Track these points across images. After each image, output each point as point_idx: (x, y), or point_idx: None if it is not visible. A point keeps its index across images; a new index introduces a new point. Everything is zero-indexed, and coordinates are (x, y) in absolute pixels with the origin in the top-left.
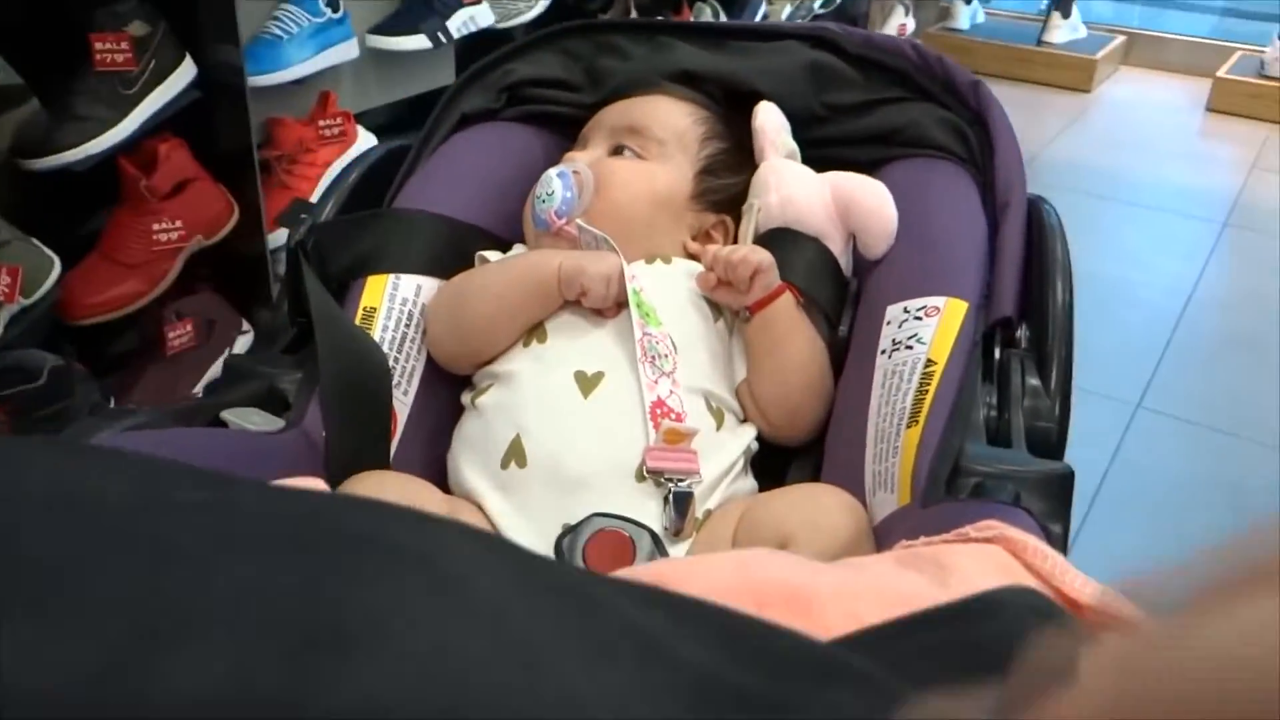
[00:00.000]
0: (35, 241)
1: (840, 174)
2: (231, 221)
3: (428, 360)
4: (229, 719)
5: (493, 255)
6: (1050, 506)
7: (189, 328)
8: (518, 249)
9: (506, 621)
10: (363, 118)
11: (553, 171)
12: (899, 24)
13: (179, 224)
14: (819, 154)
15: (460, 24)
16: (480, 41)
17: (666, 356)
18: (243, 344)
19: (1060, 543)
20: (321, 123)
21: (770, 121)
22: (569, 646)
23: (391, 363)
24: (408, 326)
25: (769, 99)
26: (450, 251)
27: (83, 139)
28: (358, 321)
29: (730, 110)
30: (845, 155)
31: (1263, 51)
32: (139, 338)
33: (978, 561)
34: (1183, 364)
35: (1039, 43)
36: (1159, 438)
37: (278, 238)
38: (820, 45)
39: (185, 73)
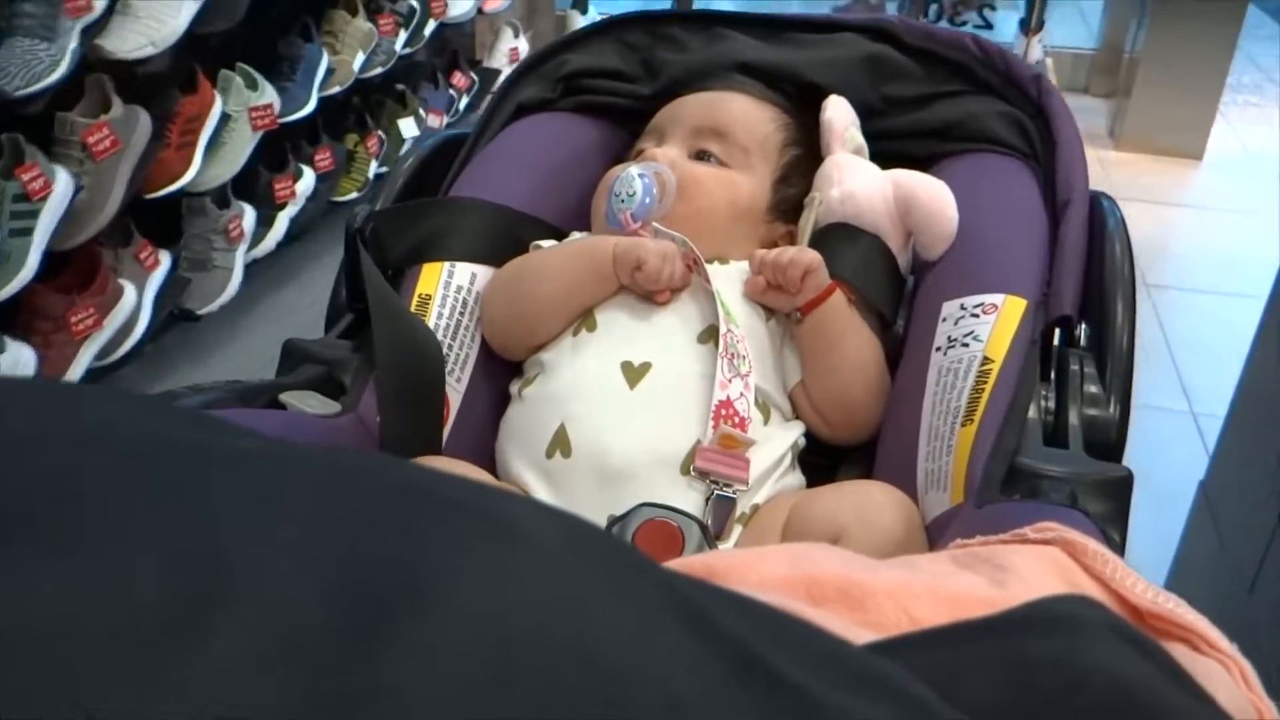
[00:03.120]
0: None
1: (904, 172)
2: None
3: (481, 348)
4: (269, 688)
5: (548, 244)
6: (1108, 509)
7: None
8: (575, 236)
9: (562, 580)
10: None
11: (634, 170)
12: (510, 47)
13: None
14: (875, 148)
15: None
16: None
17: (745, 358)
18: None
19: (1119, 547)
20: None
21: (839, 116)
22: (620, 611)
23: (446, 350)
24: (462, 314)
25: (826, 91)
26: (505, 240)
27: None
28: (413, 308)
29: (800, 106)
30: (902, 149)
31: None
32: None
33: (1035, 563)
34: None
35: None
36: None
37: None
38: (879, 38)
39: None
